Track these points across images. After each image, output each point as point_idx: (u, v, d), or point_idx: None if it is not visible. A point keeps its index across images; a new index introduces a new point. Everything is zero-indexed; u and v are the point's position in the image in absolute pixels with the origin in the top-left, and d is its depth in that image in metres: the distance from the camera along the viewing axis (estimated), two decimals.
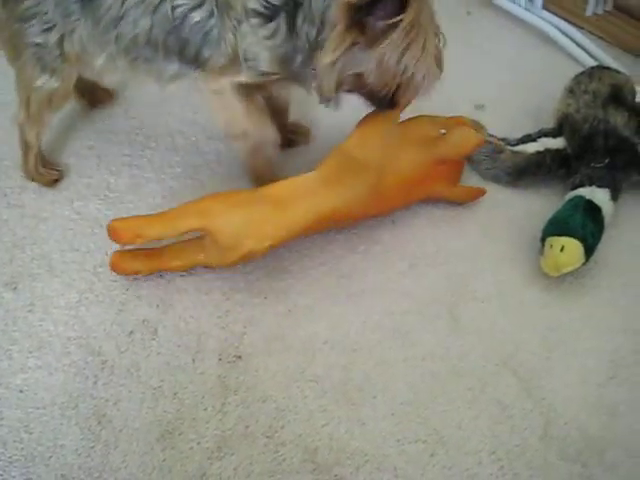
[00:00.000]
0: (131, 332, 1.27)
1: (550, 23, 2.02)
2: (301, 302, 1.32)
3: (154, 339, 1.26)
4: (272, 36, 1.24)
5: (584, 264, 1.35)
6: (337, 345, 1.26)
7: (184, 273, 1.35)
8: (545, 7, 2.06)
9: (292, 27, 1.23)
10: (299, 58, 1.27)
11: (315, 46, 1.24)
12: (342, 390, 1.21)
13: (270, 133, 1.41)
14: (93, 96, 1.70)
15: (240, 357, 1.24)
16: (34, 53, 1.34)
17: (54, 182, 1.53)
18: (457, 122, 1.48)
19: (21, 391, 1.18)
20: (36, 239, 1.41)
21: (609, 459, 1.14)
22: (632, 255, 1.44)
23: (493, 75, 1.91)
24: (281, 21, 1.23)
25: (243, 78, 1.30)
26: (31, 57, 1.35)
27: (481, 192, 1.52)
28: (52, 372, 1.21)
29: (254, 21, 1.23)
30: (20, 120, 1.46)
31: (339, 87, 1.27)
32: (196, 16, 1.25)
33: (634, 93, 1.56)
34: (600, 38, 2.03)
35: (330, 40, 1.20)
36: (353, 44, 1.19)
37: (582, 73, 1.63)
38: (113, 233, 1.27)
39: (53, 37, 1.31)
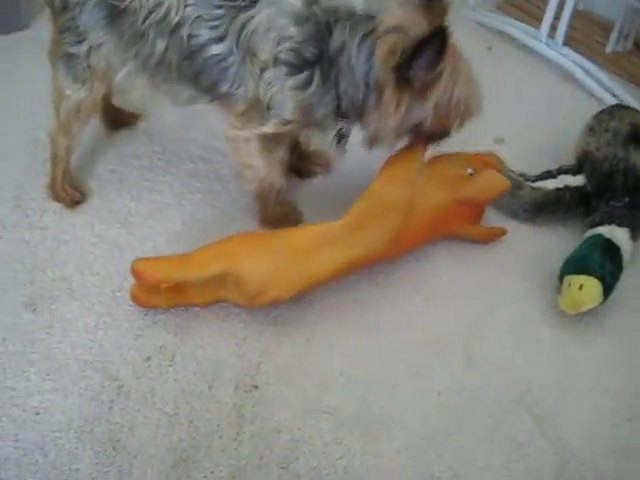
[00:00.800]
0: (148, 358, 1.28)
1: (571, 60, 2.03)
2: (318, 332, 1.33)
3: (171, 365, 1.27)
4: (302, 87, 1.27)
5: (602, 303, 1.35)
6: (353, 377, 1.27)
7: None
8: (566, 44, 2.07)
9: (325, 81, 1.27)
10: (322, 109, 1.30)
11: (363, 109, 1.28)
12: (357, 422, 1.20)
13: (279, 182, 1.43)
14: (117, 119, 1.73)
15: (256, 386, 1.24)
16: (66, 62, 1.39)
17: (76, 204, 1.55)
18: (483, 160, 1.48)
19: (37, 413, 1.19)
20: (57, 261, 1.43)
21: None
22: None
23: (512, 110, 1.92)
24: (315, 74, 1.26)
25: (268, 129, 1.32)
26: (64, 66, 1.40)
27: (501, 233, 1.52)
28: (68, 395, 1.21)
29: (283, 70, 1.26)
30: (52, 131, 1.50)
31: (399, 139, 1.34)
32: (214, 50, 1.28)
33: None
34: (620, 76, 2.05)
35: (386, 103, 1.24)
36: (410, 105, 1.25)
37: (603, 111, 1.64)
38: (137, 275, 1.28)
39: (83, 49, 1.35)
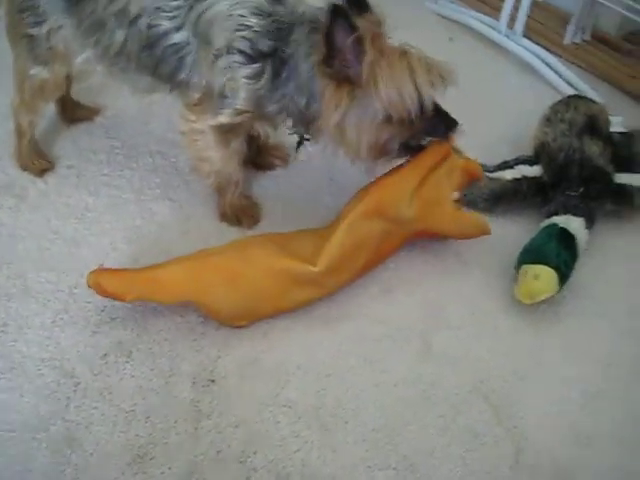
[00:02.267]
0: (105, 354, 1.26)
1: (530, 51, 2.05)
2: (277, 326, 1.33)
3: (128, 362, 1.26)
4: (254, 77, 1.26)
5: (558, 292, 1.36)
6: (311, 370, 1.27)
7: None
8: (525, 35, 2.09)
9: (276, 77, 1.26)
10: (273, 105, 1.30)
11: (310, 116, 1.28)
12: (315, 415, 1.21)
13: (236, 175, 1.43)
14: (75, 113, 1.72)
15: (214, 381, 1.24)
16: (27, 43, 1.39)
17: (43, 172, 1.58)
18: (470, 170, 1.43)
19: None
20: (12, 258, 1.41)
21: None
22: (605, 283, 1.46)
23: (473, 101, 1.92)
24: (267, 67, 1.25)
25: (222, 119, 1.32)
26: (25, 47, 1.40)
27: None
28: (23, 394, 1.20)
29: (237, 58, 1.25)
30: (15, 105, 1.51)
31: (381, 153, 1.29)
32: (173, 39, 1.28)
33: (609, 123, 1.59)
34: (578, 67, 2.07)
35: (327, 103, 1.23)
36: (352, 99, 1.22)
37: (559, 102, 1.66)
38: (96, 287, 1.24)
39: (43, 30, 1.35)
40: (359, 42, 1.18)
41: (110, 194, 1.55)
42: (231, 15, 1.24)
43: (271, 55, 1.25)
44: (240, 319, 1.29)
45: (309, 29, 1.24)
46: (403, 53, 1.23)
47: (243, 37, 1.24)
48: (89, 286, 1.26)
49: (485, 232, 1.42)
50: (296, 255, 1.29)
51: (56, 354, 1.26)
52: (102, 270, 1.26)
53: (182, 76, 1.31)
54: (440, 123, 1.30)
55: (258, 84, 1.27)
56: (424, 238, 1.47)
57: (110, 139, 1.69)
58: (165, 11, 1.27)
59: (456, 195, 1.40)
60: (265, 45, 1.25)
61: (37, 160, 1.58)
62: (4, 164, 1.59)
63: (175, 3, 1.27)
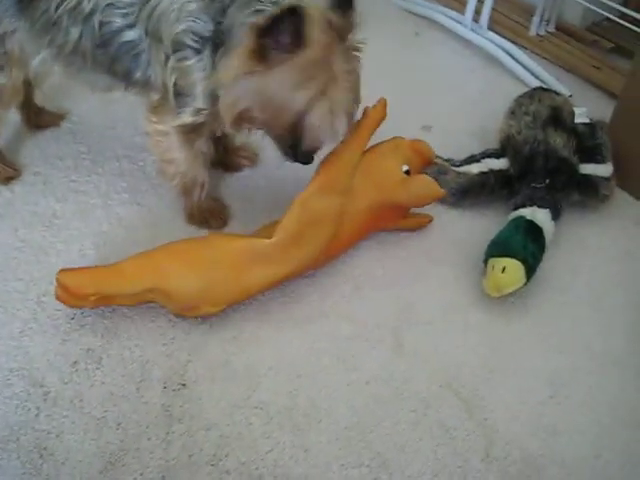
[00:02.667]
0: (75, 362, 1.26)
1: (495, 44, 2.06)
2: (246, 328, 1.33)
3: (98, 369, 1.25)
4: (202, 69, 1.24)
5: (525, 284, 1.37)
6: (282, 371, 1.27)
7: None
8: (490, 28, 2.10)
9: (214, 61, 1.23)
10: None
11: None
12: (287, 416, 1.21)
13: (202, 176, 1.42)
14: (40, 118, 1.71)
15: (185, 385, 1.24)
16: None
17: (8, 179, 1.56)
18: (418, 151, 1.49)
19: None
20: None
21: (548, 477, 1.16)
22: (572, 274, 1.47)
23: (440, 96, 1.94)
24: (207, 52, 1.23)
25: (184, 119, 1.30)
26: None
27: (427, 220, 1.54)
28: None
29: (184, 53, 1.23)
30: None
31: (238, 121, 1.25)
32: (126, 36, 1.26)
33: (573, 114, 1.60)
34: (544, 58, 2.08)
35: (232, 58, 1.18)
36: (250, 70, 1.17)
37: (523, 95, 1.67)
38: (62, 287, 1.24)
39: None
40: (299, 41, 1.14)
41: (78, 200, 1.54)
42: (177, 7, 1.21)
43: (211, 39, 1.22)
44: (203, 305, 1.27)
45: (246, 2, 1.19)
46: (330, 80, 1.19)
47: (185, 29, 1.21)
48: (57, 296, 1.26)
49: (438, 193, 1.44)
50: (254, 237, 1.31)
51: (25, 363, 1.25)
52: (64, 270, 1.26)
53: (137, 75, 1.30)
54: (294, 151, 1.27)
55: (205, 72, 1.24)
56: (386, 226, 1.48)
57: (77, 144, 1.68)
58: (118, 7, 1.25)
59: (405, 167, 1.43)
60: (206, 29, 1.21)
61: (2, 168, 1.57)
62: None
63: (128, 0, 1.25)
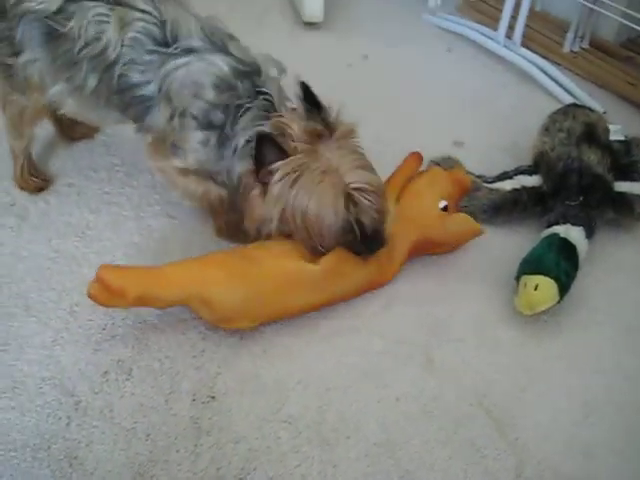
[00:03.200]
0: (105, 372, 1.27)
1: (528, 60, 2.06)
2: (276, 342, 1.33)
3: (128, 380, 1.26)
4: (202, 143, 1.31)
5: (559, 302, 1.36)
6: (311, 385, 1.27)
7: (160, 312, 1.35)
8: (524, 44, 2.09)
9: (220, 147, 1.31)
10: (217, 171, 1.35)
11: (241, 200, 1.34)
12: (316, 430, 1.20)
13: (217, 192, 1.43)
14: (74, 131, 1.73)
15: (214, 397, 1.24)
16: (4, 70, 1.41)
17: (39, 190, 1.60)
18: (457, 182, 1.48)
19: None
20: (13, 277, 1.42)
21: None
22: (606, 294, 1.45)
23: (472, 112, 1.94)
24: (214, 137, 1.30)
25: (176, 163, 1.35)
26: (2, 74, 1.42)
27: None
28: (25, 413, 1.20)
29: (189, 122, 1.29)
30: (5, 128, 1.54)
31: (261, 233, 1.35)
32: (141, 91, 1.31)
33: (607, 131, 1.59)
34: (577, 75, 2.07)
35: (249, 202, 1.31)
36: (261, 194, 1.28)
37: (557, 111, 1.66)
38: (101, 281, 1.23)
39: (19, 61, 1.36)
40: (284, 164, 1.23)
41: (110, 211, 1.56)
42: (194, 82, 1.28)
43: (220, 127, 1.30)
44: (240, 318, 1.28)
45: (259, 116, 1.29)
46: (322, 174, 1.24)
47: (199, 105, 1.28)
48: (90, 294, 1.24)
49: (476, 231, 1.45)
50: (299, 257, 1.30)
51: (57, 373, 1.26)
52: (106, 266, 1.25)
53: (148, 121, 1.34)
54: (357, 243, 1.30)
55: (205, 151, 1.32)
56: (422, 253, 1.47)
57: (110, 156, 1.70)
58: (138, 64, 1.29)
59: (443, 203, 1.43)
60: (216, 117, 1.29)
61: (33, 179, 1.60)
62: (6, 184, 1.61)
63: (148, 58, 1.29)
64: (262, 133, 1.24)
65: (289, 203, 1.25)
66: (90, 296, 1.25)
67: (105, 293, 1.24)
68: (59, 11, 1.29)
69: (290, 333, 1.34)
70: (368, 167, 1.29)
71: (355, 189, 1.24)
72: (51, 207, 1.57)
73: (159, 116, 1.31)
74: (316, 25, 2.24)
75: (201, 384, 1.26)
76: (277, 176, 1.24)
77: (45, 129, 1.67)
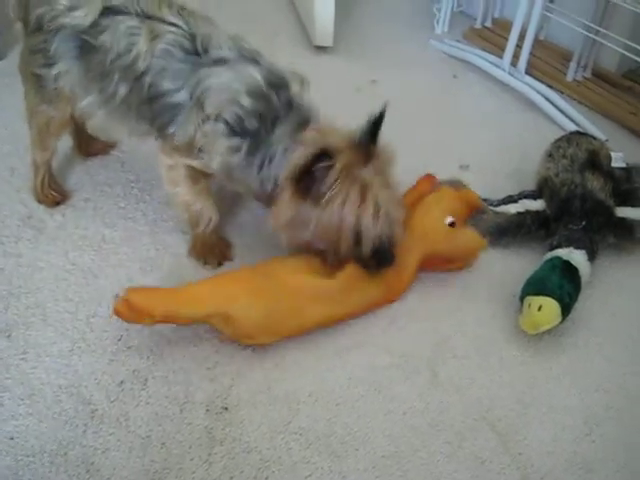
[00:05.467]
0: (121, 382, 1.30)
1: (533, 88, 2.11)
2: (288, 357, 1.36)
3: (144, 389, 1.29)
4: (232, 149, 1.32)
5: (561, 323, 1.39)
6: (321, 399, 1.30)
7: (175, 326, 1.38)
8: (528, 72, 2.15)
9: (251, 155, 1.32)
10: (242, 178, 1.36)
11: (270, 198, 1.35)
12: (326, 442, 1.24)
13: (208, 211, 1.48)
14: (91, 147, 1.79)
15: (227, 409, 1.27)
16: (35, 82, 1.45)
17: (57, 204, 1.65)
18: (465, 200, 1.55)
19: (12, 438, 1.21)
20: (31, 288, 1.45)
21: None
22: (608, 315, 1.49)
23: (478, 137, 1.99)
24: (245, 144, 1.31)
25: (195, 164, 1.38)
26: (33, 85, 1.47)
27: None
28: (42, 420, 1.24)
29: (221, 127, 1.31)
30: (30, 141, 1.58)
31: (296, 245, 1.37)
32: (172, 99, 1.33)
33: (609, 158, 1.63)
34: (580, 103, 2.12)
35: (278, 204, 1.31)
36: (300, 208, 1.29)
37: (561, 138, 1.71)
38: (129, 305, 1.26)
39: (52, 72, 1.41)
40: (331, 177, 1.26)
41: (126, 226, 1.60)
42: (228, 88, 1.30)
43: (253, 135, 1.31)
44: (261, 334, 1.32)
45: (294, 126, 1.31)
46: (364, 187, 1.28)
47: (233, 111, 1.30)
48: (116, 310, 1.28)
49: (480, 245, 1.51)
50: (314, 272, 1.35)
51: (74, 381, 1.30)
52: (134, 289, 1.30)
53: (171, 130, 1.35)
54: (373, 261, 1.35)
55: (234, 157, 1.33)
56: (430, 269, 1.51)
57: (125, 172, 1.75)
58: (169, 72, 1.32)
59: (450, 219, 1.48)
60: (251, 124, 1.30)
61: (52, 193, 1.64)
62: (24, 197, 1.65)
63: (179, 66, 1.32)
64: (322, 148, 1.25)
65: (331, 218, 1.28)
66: (116, 312, 1.29)
67: (131, 312, 1.29)
68: (93, 25, 1.34)
69: (301, 348, 1.38)
70: (394, 186, 1.33)
71: (384, 207, 1.29)
72: (67, 220, 1.61)
73: (188, 123, 1.32)
74: (326, 49, 2.30)
75: (215, 395, 1.29)
76: (331, 195, 1.26)
77: (62, 146, 1.70)
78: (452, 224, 1.48)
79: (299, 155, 1.27)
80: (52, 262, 1.51)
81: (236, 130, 1.31)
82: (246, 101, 1.29)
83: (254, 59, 1.33)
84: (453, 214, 1.49)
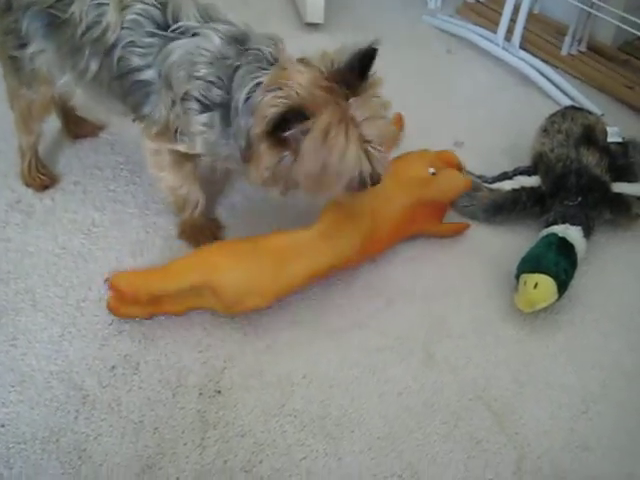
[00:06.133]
0: (113, 367, 1.29)
1: (527, 63, 2.08)
2: (280, 338, 1.35)
3: (136, 374, 1.28)
4: (206, 125, 1.27)
5: (557, 300, 1.38)
6: (315, 380, 1.29)
7: None
8: (522, 47, 2.12)
9: (227, 125, 1.26)
10: (228, 150, 1.30)
11: (248, 157, 1.26)
12: (320, 424, 1.23)
13: (194, 195, 1.45)
14: (80, 129, 1.75)
15: (220, 392, 1.26)
16: (12, 64, 1.42)
17: (45, 188, 1.62)
18: (445, 159, 1.54)
19: (2, 425, 1.20)
20: (20, 273, 1.43)
21: None
22: (604, 291, 1.48)
23: (472, 113, 1.96)
24: (217, 116, 1.26)
25: (180, 148, 1.34)
26: (11, 67, 1.43)
27: (465, 226, 1.57)
28: (33, 406, 1.22)
29: (192, 105, 1.26)
30: (15, 125, 1.55)
31: (286, 192, 1.30)
32: (142, 75, 1.28)
33: (605, 133, 1.61)
34: (575, 77, 2.10)
35: (255, 159, 1.23)
36: (280, 159, 1.20)
37: (556, 113, 1.68)
38: (115, 289, 1.31)
39: (26, 53, 1.37)
40: (306, 124, 1.16)
41: (116, 209, 1.58)
42: (185, 62, 1.24)
43: (221, 104, 1.25)
44: (247, 298, 1.30)
45: (253, 69, 1.22)
46: (344, 125, 1.17)
47: (197, 86, 1.24)
48: (109, 306, 1.32)
49: (467, 185, 1.53)
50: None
51: (65, 367, 1.28)
52: (118, 274, 1.32)
53: (146, 111, 1.31)
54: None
55: (211, 135, 1.28)
56: (420, 231, 1.52)
57: (115, 155, 1.72)
58: (138, 46, 1.27)
59: (431, 170, 1.50)
60: (215, 94, 1.25)
61: (40, 176, 1.62)
62: (11, 181, 1.62)
63: (148, 40, 1.26)
64: (291, 104, 1.15)
65: (311, 159, 1.18)
66: (109, 308, 1.32)
67: (121, 302, 1.31)
68: None
69: (293, 329, 1.36)
70: (381, 116, 1.23)
71: (370, 141, 1.19)
72: (57, 204, 1.59)
73: (160, 104, 1.28)
74: (317, 26, 2.26)
75: (207, 379, 1.28)
76: (307, 142, 1.16)
77: (50, 128, 1.68)
78: (434, 175, 1.49)
79: (268, 103, 1.18)
80: (41, 247, 1.49)
81: (205, 104, 1.25)
82: (203, 71, 1.23)
83: (218, 24, 1.26)
84: (434, 168, 1.51)
